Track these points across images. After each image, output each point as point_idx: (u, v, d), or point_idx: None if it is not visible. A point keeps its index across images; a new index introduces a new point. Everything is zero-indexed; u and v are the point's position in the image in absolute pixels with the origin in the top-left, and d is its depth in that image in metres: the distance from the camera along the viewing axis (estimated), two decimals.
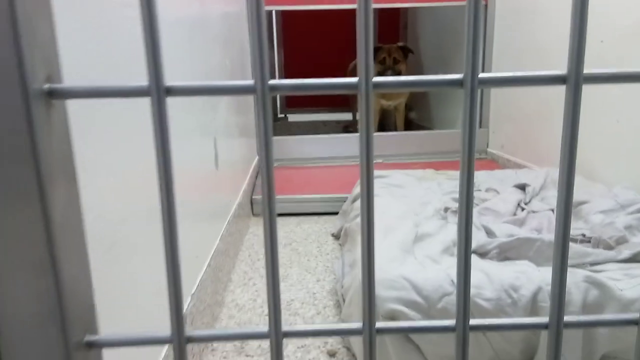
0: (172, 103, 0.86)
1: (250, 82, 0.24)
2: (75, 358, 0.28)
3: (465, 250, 0.30)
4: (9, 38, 0.21)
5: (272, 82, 0.25)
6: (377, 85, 0.25)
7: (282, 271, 1.37)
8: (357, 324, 0.30)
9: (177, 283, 0.28)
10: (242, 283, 1.30)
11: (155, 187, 0.79)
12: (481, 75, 0.26)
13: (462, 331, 0.30)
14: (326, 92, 0.27)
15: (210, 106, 1.24)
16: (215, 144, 1.29)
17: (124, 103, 0.63)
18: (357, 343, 0.91)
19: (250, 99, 2.18)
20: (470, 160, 0.27)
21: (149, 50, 0.23)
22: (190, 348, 0.88)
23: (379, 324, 0.30)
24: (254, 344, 1.01)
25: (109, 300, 0.57)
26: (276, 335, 0.29)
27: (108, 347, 0.28)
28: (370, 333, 0.30)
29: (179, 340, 0.28)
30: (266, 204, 0.26)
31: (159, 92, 0.24)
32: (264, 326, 0.29)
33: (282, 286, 1.28)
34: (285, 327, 0.29)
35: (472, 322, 0.30)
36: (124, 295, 0.62)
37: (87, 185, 0.53)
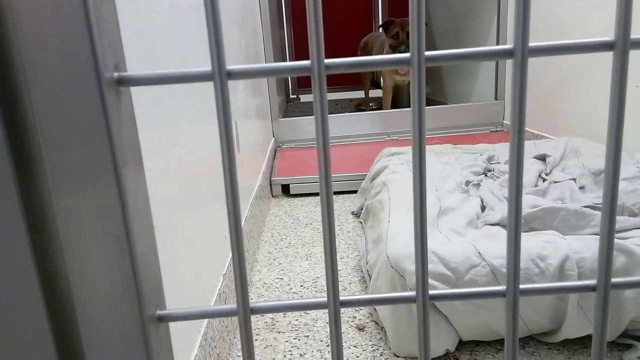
0: (197, 88, 0.87)
1: (306, 62, 0.25)
2: (149, 331, 0.29)
3: (515, 216, 0.31)
4: (82, 28, 0.22)
5: (327, 61, 0.25)
6: (429, 59, 0.26)
7: (305, 250, 1.40)
8: (410, 293, 0.31)
9: (241, 259, 0.29)
10: (267, 263, 1.33)
11: (192, 172, 0.80)
12: (531, 44, 0.26)
13: (513, 296, 0.31)
14: (378, 69, 0.27)
15: (230, 90, 1.25)
16: (236, 127, 1.30)
17: (159, 89, 0.64)
18: (385, 317, 0.93)
19: (264, 81, 2.18)
20: (520, 130, 0.28)
21: (211, 36, 0.24)
22: (225, 325, 0.91)
23: (432, 292, 0.31)
24: (284, 321, 1.03)
25: None
26: (334, 305, 0.30)
27: (178, 320, 0.30)
28: (424, 300, 0.31)
29: (244, 312, 0.29)
30: (323, 184, 0.27)
31: (221, 76, 0.25)
32: (322, 297, 0.30)
33: (307, 264, 1.31)
34: (342, 297, 0.30)
35: (522, 287, 0.31)
36: (165, 278, 0.65)
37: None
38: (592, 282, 0.32)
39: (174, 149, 0.71)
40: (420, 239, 0.30)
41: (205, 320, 0.80)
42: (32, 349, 0.26)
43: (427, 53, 0.26)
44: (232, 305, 0.30)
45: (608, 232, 0.30)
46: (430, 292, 0.32)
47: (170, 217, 0.68)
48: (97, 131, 0.24)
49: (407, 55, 0.27)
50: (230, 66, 0.25)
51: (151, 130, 0.62)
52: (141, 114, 0.59)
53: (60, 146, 0.25)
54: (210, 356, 0.77)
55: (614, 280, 0.32)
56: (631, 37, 0.27)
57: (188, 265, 0.74)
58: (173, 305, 0.66)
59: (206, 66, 0.24)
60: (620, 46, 0.27)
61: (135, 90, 0.58)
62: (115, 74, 0.24)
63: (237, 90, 1.36)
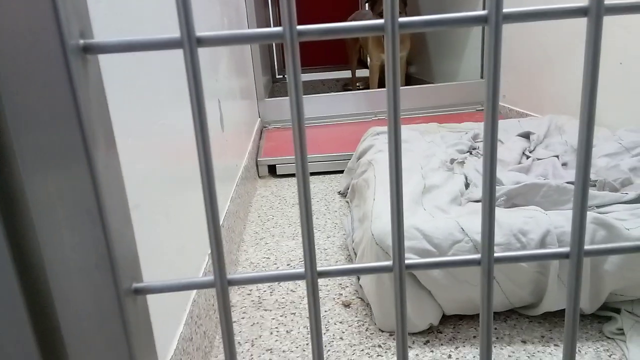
0: (177, 63, 0.85)
1: (278, 29, 0.25)
2: (125, 304, 0.29)
3: (490, 185, 0.31)
4: None
5: (300, 27, 0.25)
6: (403, 25, 0.26)
7: (292, 229, 1.40)
8: (387, 262, 0.31)
9: (217, 230, 0.29)
10: (254, 243, 1.33)
11: (174, 150, 0.79)
12: (506, 9, 0.26)
13: (487, 264, 0.32)
14: (352, 35, 0.27)
15: (211, 67, 1.23)
16: (220, 106, 1.28)
17: (137, 65, 0.63)
18: (370, 294, 0.94)
19: (248, 61, 2.15)
20: (494, 101, 0.27)
21: (179, 1, 0.23)
22: (212, 303, 0.91)
23: (408, 260, 0.32)
24: (270, 299, 1.04)
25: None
26: (312, 275, 0.30)
27: (154, 293, 0.30)
28: (400, 269, 0.32)
29: (221, 284, 0.29)
30: (299, 160, 0.27)
31: (190, 42, 0.24)
32: (300, 268, 0.30)
33: (293, 244, 1.31)
34: (319, 268, 0.30)
35: (497, 255, 0.32)
36: (149, 255, 0.64)
37: None
38: (566, 249, 0.33)
39: (155, 126, 0.70)
40: (397, 209, 0.30)
41: (191, 299, 0.80)
42: (8, 325, 0.26)
43: (401, 19, 0.26)
44: (209, 277, 0.30)
45: (581, 200, 0.30)
46: (407, 261, 0.32)
47: (152, 196, 0.67)
48: (64, 102, 0.24)
49: (381, 21, 0.26)
50: (200, 32, 0.25)
51: (129, 106, 0.61)
52: (117, 89, 0.58)
53: (26, 119, 0.25)
54: (196, 333, 0.78)
55: (586, 247, 0.32)
56: (605, 2, 0.27)
57: (171, 244, 0.73)
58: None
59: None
60: (594, 12, 0.27)
61: (111, 64, 0.56)
62: (81, 41, 0.24)
63: (220, 69, 1.34)
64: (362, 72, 3.38)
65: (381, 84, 3.02)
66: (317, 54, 4.14)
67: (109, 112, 0.27)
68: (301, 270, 0.30)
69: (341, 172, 1.75)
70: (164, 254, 0.71)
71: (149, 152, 0.68)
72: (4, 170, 0.24)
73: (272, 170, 1.92)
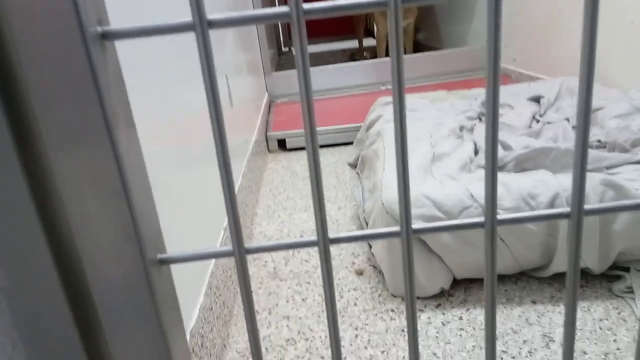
0: (182, 43, 0.86)
1: (285, 8, 0.26)
2: (151, 273, 0.31)
3: (492, 148, 0.32)
4: None
5: (306, 6, 0.26)
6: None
7: (304, 202, 1.42)
8: (395, 228, 0.33)
9: (233, 203, 0.31)
10: (267, 216, 1.36)
11: (187, 128, 0.81)
12: None
13: (491, 225, 0.33)
14: (356, 12, 0.28)
15: (218, 43, 1.23)
16: (228, 82, 1.29)
17: (145, 47, 0.64)
18: (383, 261, 0.96)
19: (254, 35, 2.14)
20: (496, 57, 0.28)
21: None
22: (230, 274, 0.94)
23: (415, 225, 0.33)
24: (285, 269, 1.07)
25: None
26: (324, 242, 0.32)
27: (177, 262, 0.32)
28: (407, 234, 0.33)
29: (240, 252, 0.31)
30: (308, 131, 0.28)
31: (202, 25, 0.25)
32: (312, 235, 0.32)
33: (306, 216, 1.34)
34: (331, 235, 0.32)
35: (499, 217, 0.33)
36: (166, 232, 0.67)
37: None
38: (567, 209, 0.34)
39: (164, 107, 0.71)
40: (402, 176, 0.31)
41: (209, 271, 0.83)
42: (43, 294, 0.28)
43: None
44: (228, 247, 0.32)
45: (581, 160, 0.32)
46: (414, 226, 0.34)
47: (164, 175, 0.69)
48: (86, 88, 0.25)
49: None
50: (211, 15, 0.26)
51: (138, 88, 0.62)
52: (126, 73, 0.59)
53: (50, 103, 0.26)
54: (215, 303, 0.81)
55: (586, 206, 0.34)
56: None
57: (187, 220, 0.76)
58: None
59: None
60: None
61: (121, 47, 0.58)
62: (99, 28, 0.25)
63: (226, 44, 1.34)
64: (368, 42, 3.33)
65: (389, 53, 2.97)
66: (324, 25, 4.08)
67: (127, 93, 0.28)
68: (314, 237, 0.32)
69: (351, 143, 1.76)
70: (181, 231, 0.73)
71: (162, 131, 0.69)
72: (32, 149, 0.26)
73: (281, 144, 1.93)
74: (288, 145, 1.92)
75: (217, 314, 0.81)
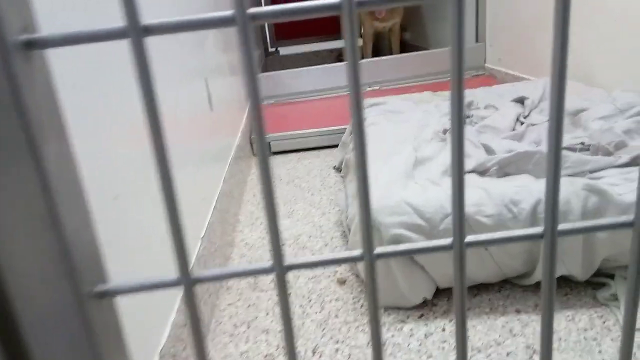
0: (157, 44, 0.83)
1: (229, 12, 0.23)
2: (88, 308, 0.29)
3: (458, 168, 0.30)
4: None
5: (252, 10, 0.23)
6: (362, 3, 0.24)
7: (287, 207, 1.40)
8: (357, 251, 0.31)
9: (177, 226, 0.28)
10: (249, 223, 1.33)
11: (146, 142, 0.78)
12: None
13: (459, 249, 0.31)
14: (310, 16, 0.25)
15: (196, 45, 1.20)
16: (207, 84, 1.26)
17: (107, 52, 0.61)
18: (364, 271, 0.94)
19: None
20: (460, 62, 0.26)
21: None
22: (207, 288, 0.91)
23: (378, 249, 0.31)
24: (266, 279, 1.04)
25: (119, 250, 0.59)
26: (280, 269, 0.30)
27: (118, 295, 0.29)
28: (370, 258, 0.31)
29: (187, 283, 0.29)
30: (260, 139, 0.26)
31: (137, 31, 0.23)
32: (267, 262, 0.29)
33: (289, 222, 1.31)
34: (288, 260, 0.30)
35: (468, 238, 0.31)
36: (134, 244, 0.64)
37: (82, 137, 0.53)
38: (539, 229, 0.32)
39: (133, 112, 0.68)
40: (365, 200, 0.29)
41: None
42: None
43: None
44: (174, 276, 0.29)
45: (553, 179, 0.29)
46: (376, 250, 0.31)
47: (135, 184, 0.66)
48: (5, 102, 0.22)
49: (335, 0, 0.24)
50: (148, 21, 0.23)
51: (98, 95, 0.59)
52: (81, 79, 0.56)
53: None
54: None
55: (560, 227, 0.31)
56: None
57: (158, 231, 0.73)
58: (144, 274, 0.65)
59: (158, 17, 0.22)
60: None
61: (73, 54, 0.54)
62: (23, 36, 0.22)
63: (206, 45, 1.31)
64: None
65: (376, 52, 2.96)
66: (309, 25, 4.05)
67: (59, 107, 0.26)
68: (268, 264, 0.30)
69: (336, 146, 1.74)
70: (152, 241, 0.70)
71: (128, 139, 0.66)
72: None
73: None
74: (273, 149, 1.89)
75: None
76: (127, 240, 0.62)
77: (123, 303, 0.34)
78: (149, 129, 0.26)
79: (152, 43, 0.81)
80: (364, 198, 0.29)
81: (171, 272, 0.77)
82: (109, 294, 0.30)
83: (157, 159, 0.27)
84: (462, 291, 0.31)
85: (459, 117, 0.27)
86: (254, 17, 0.24)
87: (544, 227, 0.31)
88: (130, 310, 0.56)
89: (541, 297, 0.32)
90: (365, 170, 0.29)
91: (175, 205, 0.28)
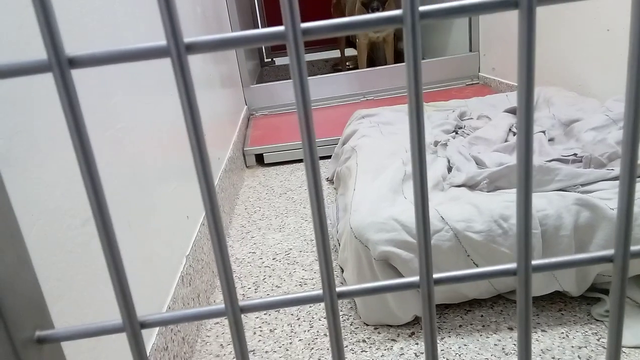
0: (135, 66, 0.81)
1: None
2: (26, 356, 0.27)
3: (422, 206, 0.28)
4: None
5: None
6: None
7: (279, 221, 1.38)
8: (317, 292, 0.29)
9: (119, 270, 0.26)
10: (240, 237, 1.31)
11: (137, 152, 0.76)
12: (422, 8, 0.23)
13: (427, 288, 0.29)
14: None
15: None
16: None
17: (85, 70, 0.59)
18: (350, 279, 0.92)
19: None
20: (418, 97, 0.24)
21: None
22: (192, 306, 0.89)
23: (339, 289, 0.29)
24: (254, 297, 1.02)
25: (88, 275, 0.57)
26: (233, 312, 0.28)
27: (59, 341, 0.27)
28: (332, 300, 0.29)
29: (133, 328, 0.27)
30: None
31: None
32: (220, 304, 0.27)
33: (279, 236, 1.29)
34: (241, 302, 0.28)
35: (436, 276, 0.29)
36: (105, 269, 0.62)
37: (48, 161, 0.51)
38: (513, 265, 0.30)
39: (108, 132, 0.66)
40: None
41: (166, 305, 0.78)
42: None
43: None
44: (119, 321, 0.27)
45: (525, 215, 0.28)
46: (338, 289, 0.30)
47: (111, 204, 0.64)
48: None
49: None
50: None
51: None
52: (54, 99, 0.54)
53: None
54: (172, 341, 0.76)
55: (534, 262, 0.30)
56: None
57: (139, 253, 0.71)
58: (133, 288, 0.63)
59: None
60: (525, 3, 0.24)
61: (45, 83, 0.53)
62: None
63: (193, 58, 1.30)
64: (351, 52, 3.31)
65: (371, 63, 2.96)
66: None
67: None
68: (221, 306, 0.28)
69: (329, 157, 1.72)
70: (132, 265, 0.68)
71: (103, 160, 0.65)
72: None
73: (259, 159, 1.89)
74: (266, 160, 1.87)
75: (174, 352, 0.76)
76: (97, 265, 0.60)
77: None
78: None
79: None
80: (321, 238, 0.28)
81: (149, 292, 0.75)
82: (50, 340, 0.28)
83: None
84: (432, 330, 0.29)
85: (419, 140, 0.26)
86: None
87: (517, 263, 0.29)
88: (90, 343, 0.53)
89: (517, 333, 0.30)
90: (320, 199, 0.28)
91: (116, 250, 0.26)
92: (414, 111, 0.25)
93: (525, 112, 0.25)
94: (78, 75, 0.60)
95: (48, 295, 0.47)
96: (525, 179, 0.26)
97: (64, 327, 0.27)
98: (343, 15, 3.07)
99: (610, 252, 0.30)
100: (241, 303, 0.28)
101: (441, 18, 0.24)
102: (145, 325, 0.27)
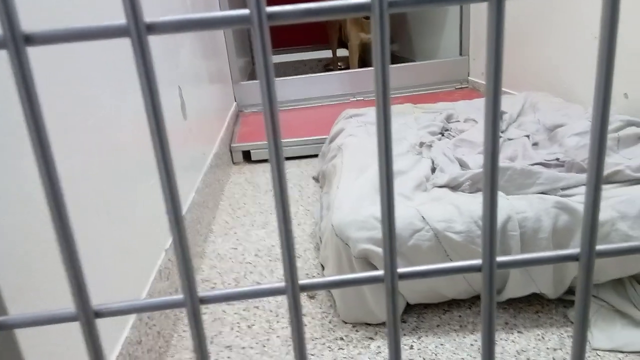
0: (117, 55, 0.80)
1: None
2: None
3: (388, 200, 0.28)
4: None
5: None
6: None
7: (263, 218, 1.37)
8: (279, 284, 0.29)
9: (72, 255, 0.25)
10: (223, 233, 1.30)
11: (119, 145, 0.75)
12: None
13: (391, 282, 0.29)
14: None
15: (168, 52, 1.17)
16: (181, 93, 1.23)
17: (68, 56, 0.58)
18: None
19: (221, 43, 2.09)
20: (385, 95, 0.24)
21: None
22: None
23: (302, 282, 0.29)
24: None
25: (56, 265, 0.56)
26: (192, 303, 0.27)
27: (10, 328, 0.26)
28: (293, 292, 0.29)
29: (86, 317, 0.26)
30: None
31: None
32: (179, 295, 0.27)
33: (263, 232, 1.28)
34: (201, 293, 0.27)
35: (400, 270, 0.29)
36: (91, 260, 0.61)
37: (9, 146, 0.50)
38: (478, 262, 0.30)
39: (88, 121, 0.65)
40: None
41: (142, 296, 0.77)
42: None
43: None
44: (72, 310, 0.27)
45: (490, 213, 0.27)
46: (301, 282, 0.29)
47: (90, 194, 0.63)
48: None
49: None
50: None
51: (54, 104, 0.56)
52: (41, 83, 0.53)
53: None
54: (147, 335, 0.75)
55: (499, 259, 0.30)
56: None
57: (115, 243, 0.70)
58: (108, 280, 0.62)
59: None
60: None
61: (42, 55, 0.52)
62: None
63: (181, 53, 1.29)
64: (343, 52, 3.31)
65: (363, 64, 2.96)
66: (298, 34, 4.05)
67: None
68: (181, 297, 0.27)
69: (317, 156, 1.72)
70: (108, 257, 0.67)
71: (84, 150, 0.64)
72: None
73: (246, 156, 1.88)
74: (253, 157, 1.86)
75: (148, 346, 0.75)
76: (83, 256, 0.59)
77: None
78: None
79: (110, 50, 0.79)
80: (285, 228, 0.27)
81: (134, 280, 0.74)
82: (4, 327, 0.27)
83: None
84: (395, 325, 0.29)
85: (386, 126, 0.25)
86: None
87: (482, 259, 0.29)
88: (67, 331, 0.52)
89: (481, 331, 0.30)
90: (285, 200, 0.27)
91: (71, 237, 0.26)
92: (381, 97, 0.24)
93: (492, 101, 0.25)
94: (58, 60, 0.59)
95: (9, 285, 0.46)
96: (490, 175, 0.26)
97: (16, 315, 0.27)
98: None
99: (576, 250, 0.30)
100: (200, 294, 0.27)
101: (410, 7, 0.24)
102: (100, 314, 0.27)
